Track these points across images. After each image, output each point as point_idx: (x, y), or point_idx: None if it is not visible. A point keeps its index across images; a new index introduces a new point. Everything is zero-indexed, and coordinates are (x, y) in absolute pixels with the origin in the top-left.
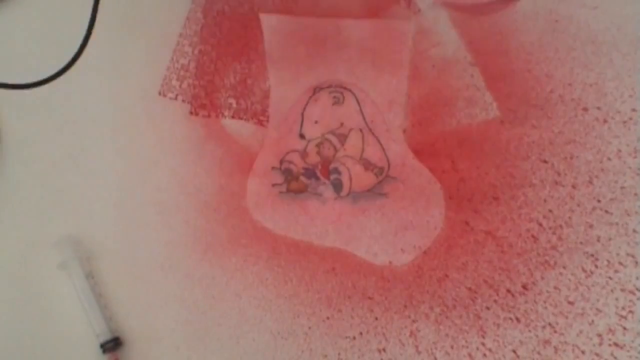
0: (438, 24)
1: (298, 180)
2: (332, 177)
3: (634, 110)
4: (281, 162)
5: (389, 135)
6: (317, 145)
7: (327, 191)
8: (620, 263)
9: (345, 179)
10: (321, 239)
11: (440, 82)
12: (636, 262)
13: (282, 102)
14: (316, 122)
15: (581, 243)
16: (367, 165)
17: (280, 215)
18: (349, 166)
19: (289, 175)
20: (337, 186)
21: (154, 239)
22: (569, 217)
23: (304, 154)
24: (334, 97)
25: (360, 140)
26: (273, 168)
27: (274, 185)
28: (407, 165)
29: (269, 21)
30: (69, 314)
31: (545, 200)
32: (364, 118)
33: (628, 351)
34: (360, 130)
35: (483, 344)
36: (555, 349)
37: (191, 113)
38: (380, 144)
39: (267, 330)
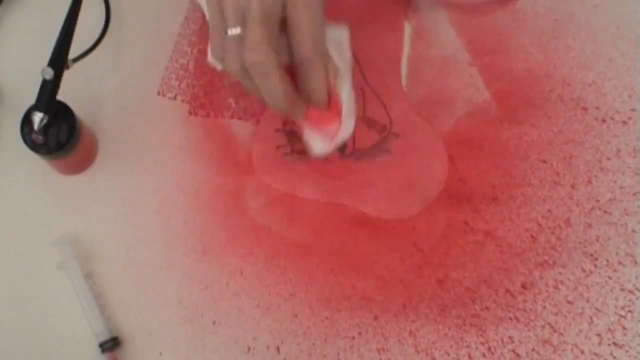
0: (437, 24)
1: (302, 141)
2: None
3: (633, 110)
4: (284, 124)
5: (389, 93)
6: None
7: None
8: (620, 263)
9: (348, 138)
10: (327, 196)
11: (439, 82)
12: (635, 262)
13: None
14: None
15: (580, 243)
16: (370, 123)
17: (286, 176)
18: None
19: (292, 137)
20: (341, 145)
21: (152, 238)
22: (568, 217)
23: None
24: None
25: (361, 99)
26: (276, 130)
27: (278, 147)
28: (409, 121)
29: None
30: (67, 313)
31: (544, 200)
32: (364, 77)
33: (627, 351)
34: (361, 89)
35: (482, 344)
36: (555, 348)
37: (190, 113)
38: (382, 102)
39: (266, 330)
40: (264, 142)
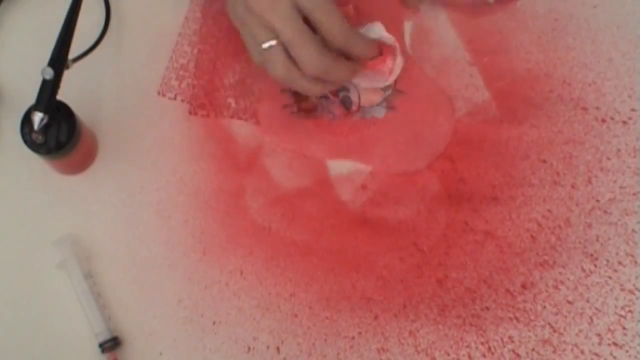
0: (437, 24)
1: (308, 100)
2: (341, 94)
3: (633, 110)
4: None
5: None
6: None
7: (337, 108)
8: (620, 263)
9: (353, 96)
10: (335, 154)
11: (439, 82)
12: (635, 262)
13: None
14: None
15: (580, 243)
16: None
17: (293, 134)
18: (356, 83)
19: (298, 96)
20: (347, 103)
21: (152, 238)
22: (568, 217)
23: None
24: None
25: None
26: (282, 90)
27: (284, 106)
28: (412, 78)
29: None
30: (67, 313)
31: (544, 200)
32: None
33: (627, 351)
34: None
35: (482, 344)
36: (555, 348)
37: (190, 113)
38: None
39: (266, 330)
40: (270, 102)
